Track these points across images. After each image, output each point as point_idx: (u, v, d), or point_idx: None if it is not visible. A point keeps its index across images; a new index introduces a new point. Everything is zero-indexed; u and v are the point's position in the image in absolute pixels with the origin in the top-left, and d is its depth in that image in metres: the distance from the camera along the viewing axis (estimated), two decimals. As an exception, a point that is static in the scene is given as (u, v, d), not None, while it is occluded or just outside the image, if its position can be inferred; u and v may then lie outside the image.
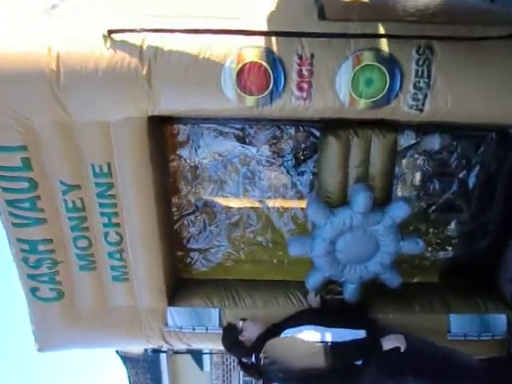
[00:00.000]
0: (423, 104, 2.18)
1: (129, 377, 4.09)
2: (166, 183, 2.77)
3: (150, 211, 2.58)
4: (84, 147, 2.37)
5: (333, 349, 2.15)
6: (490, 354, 2.87)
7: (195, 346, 3.01)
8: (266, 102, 2.20)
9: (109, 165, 2.42)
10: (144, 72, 2.15)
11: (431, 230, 2.98)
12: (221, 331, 2.87)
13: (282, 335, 2.32)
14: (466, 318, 2.85)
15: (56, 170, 2.42)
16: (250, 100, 2.20)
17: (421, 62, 2.09)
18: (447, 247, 3.03)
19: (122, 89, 2.20)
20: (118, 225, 2.61)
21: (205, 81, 2.19)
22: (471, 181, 2.81)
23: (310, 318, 2.41)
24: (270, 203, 2.97)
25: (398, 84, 2.13)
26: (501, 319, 2.84)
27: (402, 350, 2.16)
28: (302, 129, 2.70)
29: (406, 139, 2.63)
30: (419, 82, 2.13)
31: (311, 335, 2.24)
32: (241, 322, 2.48)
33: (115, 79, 2.16)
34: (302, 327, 2.31)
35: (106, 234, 2.63)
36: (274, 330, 2.42)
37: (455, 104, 2.16)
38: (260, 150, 2.76)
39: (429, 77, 2.11)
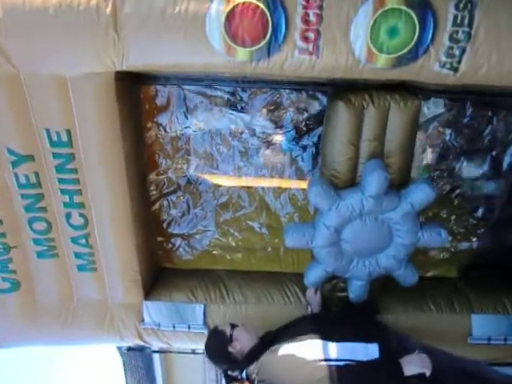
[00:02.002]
0: (459, 61, 1.73)
1: (124, 370, 3.80)
2: (142, 156, 2.34)
3: (120, 189, 2.16)
4: (36, 108, 1.94)
5: (340, 372, 1.73)
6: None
7: (176, 345, 2.62)
8: (262, 55, 1.76)
9: (68, 132, 1.99)
10: (107, 12, 1.70)
11: (453, 217, 2.56)
12: (205, 330, 2.50)
13: (280, 350, 1.90)
14: (490, 319, 2.48)
15: (2, 135, 1.98)
16: (242, 53, 1.76)
17: (461, 6, 1.64)
18: (471, 238, 2.63)
19: (79, 33, 1.76)
20: (82, 205, 2.20)
21: (185, 27, 1.74)
22: (506, 160, 2.38)
23: (311, 327, 1.99)
24: (266, 182, 2.53)
25: (430, 34, 1.69)
26: (530, 321, 2.46)
27: (428, 374, 1.74)
28: (305, 93, 2.24)
29: (432, 108, 2.17)
30: (457, 32, 1.68)
31: (313, 351, 1.83)
32: (231, 329, 2.06)
33: (70, 20, 1.72)
34: (302, 340, 1.89)
35: (68, 216, 2.22)
36: (270, 341, 2.01)
37: (501, 63, 1.71)
38: (254, 118, 2.31)
39: (470, 25, 1.66)
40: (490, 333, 2.45)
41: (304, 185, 2.47)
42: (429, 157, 2.40)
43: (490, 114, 2.22)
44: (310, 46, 1.74)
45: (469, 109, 2.22)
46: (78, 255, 2.33)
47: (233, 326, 2.06)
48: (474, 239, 2.63)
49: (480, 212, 2.53)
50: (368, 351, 1.82)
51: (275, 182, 2.51)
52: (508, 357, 2.51)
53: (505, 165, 2.38)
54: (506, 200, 2.44)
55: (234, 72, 1.88)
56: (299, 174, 2.47)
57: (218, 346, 2.04)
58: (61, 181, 2.11)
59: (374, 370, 1.76)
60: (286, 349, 1.88)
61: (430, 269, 2.71)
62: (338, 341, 1.84)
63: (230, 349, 1.98)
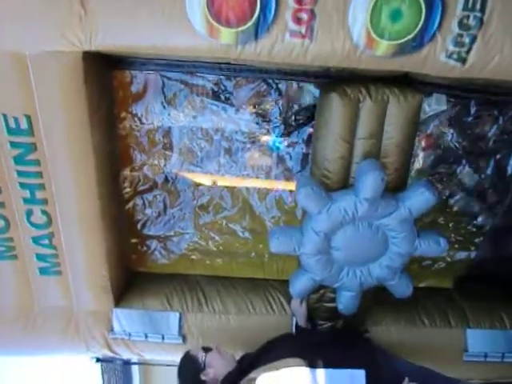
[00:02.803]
0: (468, 51, 1.56)
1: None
2: (114, 149, 2.11)
3: (88, 184, 1.94)
4: (-10, 90, 1.70)
5: None
6: (512, 379, 2.36)
7: (148, 356, 2.40)
8: (248, 37, 1.57)
9: (28, 118, 1.76)
10: (72, -20, 1.48)
11: (452, 224, 2.39)
12: (180, 341, 2.29)
13: (259, 379, 1.69)
14: (487, 334, 2.33)
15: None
16: (226, 34, 1.56)
17: (473, -13, 1.46)
18: (470, 246, 2.46)
19: (39, 5, 1.54)
20: (44, 201, 1.97)
21: (161, 4, 1.54)
22: (511, 165, 2.22)
23: (295, 349, 1.78)
24: (250, 182, 2.33)
25: (438, 19, 1.50)
26: (530, 338, 2.31)
27: None
28: (296, 85, 2.04)
29: (434, 105, 1.99)
30: (468, 17, 1.50)
31: (297, 380, 1.62)
32: (203, 354, 1.84)
33: (29, -11, 1.49)
34: (285, 366, 1.68)
35: (29, 213, 1.99)
36: (248, 365, 1.79)
37: (514, 54, 1.54)
38: (240, 111, 2.11)
39: (482, 10, 1.48)
40: (486, 349, 2.30)
41: (292, 186, 2.28)
42: (421, 159, 2.22)
43: (495, 113, 2.05)
44: (303, 29, 1.55)
45: (473, 107, 2.05)
46: (40, 257, 2.10)
47: (206, 350, 1.85)
48: (473, 248, 2.46)
49: (480, 220, 2.36)
50: (354, 380, 1.63)
51: (260, 183, 2.31)
52: (504, 376, 2.36)
53: (509, 169, 2.22)
54: (508, 207, 2.28)
55: (217, 57, 1.67)
56: (287, 175, 2.27)
57: (189, 374, 1.82)
58: (20, 173, 1.88)
59: None
60: (267, 378, 1.67)
61: (424, 279, 2.55)
62: (324, 366, 1.64)
63: (203, 377, 1.76)
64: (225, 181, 2.34)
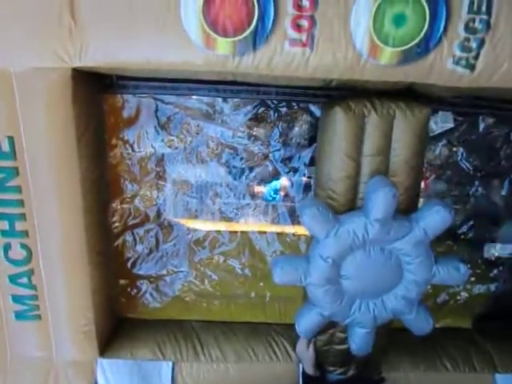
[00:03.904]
0: (476, 57, 1.49)
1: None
2: (104, 179, 1.98)
3: (74, 216, 1.81)
4: (-29, 109, 1.60)
5: None
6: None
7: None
8: (246, 47, 1.50)
9: (11, 139, 1.66)
10: (63, -7, 1.44)
11: (466, 253, 2.22)
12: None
13: None
14: (516, 379, 2.08)
15: None
16: (223, 44, 1.50)
17: (477, -11, 1.43)
18: (487, 280, 2.28)
19: (26, 18, 1.48)
20: (25, 234, 1.82)
21: (157, 12, 1.48)
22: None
23: None
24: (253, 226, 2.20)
25: (443, 23, 1.46)
26: None
27: None
28: (296, 105, 1.97)
29: (440, 123, 1.91)
30: (474, 20, 1.45)
31: None
32: None
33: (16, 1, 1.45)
34: None
35: (7, 247, 1.83)
36: None
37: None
38: (237, 134, 2.01)
39: (489, 13, 1.44)
40: (519, 394, 2.05)
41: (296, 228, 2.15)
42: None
43: (507, 129, 1.97)
44: (304, 36, 1.49)
45: (481, 123, 1.96)
46: (16, 299, 1.90)
47: None
48: (491, 282, 2.27)
49: (498, 247, 2.20)
50: None
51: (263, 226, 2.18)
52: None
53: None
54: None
55: (214, 71, 1.59)
56: (288, 199, 2.13)
57: None
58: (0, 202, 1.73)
59: None
60: None
61: (440, 318, 2.33)
62: None
63: None
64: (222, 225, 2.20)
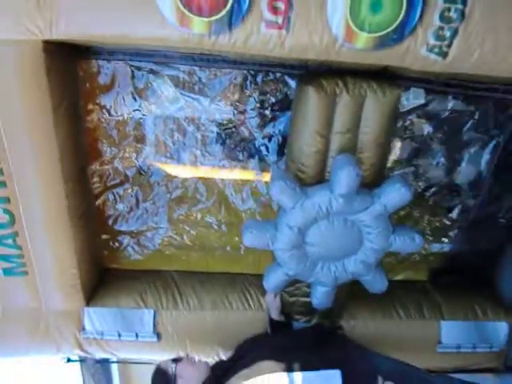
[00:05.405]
0: (449, 45, 1.51)
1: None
2: (81, 144, 1.99)
3: (54, 182, 1.84)
4: None
5: None
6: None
7: (122, 355, 2.34)
8: (222, 27, 1.48)
9: (-15, 111, 1.63)
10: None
11: (427, 217, 2.39)
12: (155, 339, 2.24)
13: None
14: (460, 325, 2.36)
15: None
16: (198, 23, 1.47)
17: (455, -21, 1.41)
18: (444, 239, 2.47)
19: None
20: (6, 200, 1.86)
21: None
22: (484, 159, 2.21)
23: (269, 352, 1.74)
24: (226, 174, 2.25)
25: (419, 12, 1.45)
26: (501, 328, 2.36)
27: None
28: (273, 76, 1.97)
29: (411, 99, 1.96)
30: (449, 9, 1.45)
31: None
32: (173, 366, 1.78)
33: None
34: (261, 372, 1.63)
35: (-10, 212, 1.87)
36: (223, 371, 1.75)
37: (495, 49, 1.50)
38: (214, 102, 2.02)
39: (464, 2, 1.44)
40: (459, 340, 2.33)
41: (268, 177, 2.22)
42: (398, 151, 2.19)
43: (472, 108, 2.03)
44: (280, 19, 1.47)
45: (450, 102, 2.02)
46: (3, 257, 1.99)
47: (176, 361, 1.80)
48: (447, 241, 2.47)
49: (455, 213, 2.36)
50: (330, 381, 1.61)
51: (236, 174, 2.24)
52: (476, 364, 2.40)
53: (483, 163, 2.22)
54: (483, 201, 2.29)
55: (190, 47, 1.58)
56: (263, 166, 2.20)
57: None
58: (-21, 171, 1.77)
59: None
60: None
61: (400, 272, 2.56)
62: (301, 369, 1.61)
63: None
64: (199, 172, 2.25)
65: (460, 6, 1.44)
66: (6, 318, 2.14)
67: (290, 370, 1.60)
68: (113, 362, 2.93)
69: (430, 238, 2.45)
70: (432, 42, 1.51)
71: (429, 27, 1.48)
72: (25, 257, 2.00)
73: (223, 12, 1.45)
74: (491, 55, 1.51)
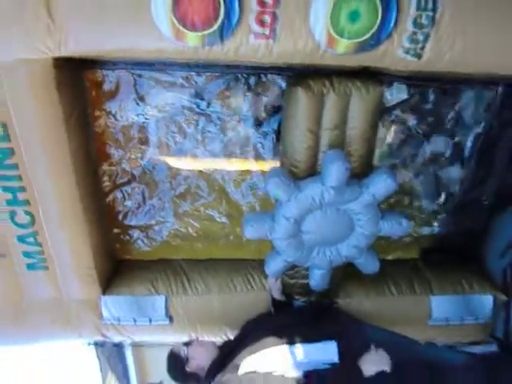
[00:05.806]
0: (423, 48, 1.66)
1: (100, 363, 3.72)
2: (91, 147, 2.16)
3: (68, 185, 2.01)
4: (-35, 100, 1.73)
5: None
6: (471, 339, 2.60)
7: (138, 339, 2.54)
8: (214, 40, 1.63)
9: (4, 125, 1.82)
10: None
11: (416, 203, 2.54)
12: (168, 322, 2.43)
13: (241, 367, 1.82)
14: (449, 299, 2.53)
15: None
16: (192, 37, 1.62)
17: (425, -12, 1.55)
18: (433, 223, 2.63)
19: (7, 15, 1.56)
20: (27, 202, 2.04)
21: (128, 8, 1.58)
22: (468, 146, 2.36)
23: (271, 329, 1.93)
24: (225, 165, 2.41)
25: (393, 19, 1.60)
26: (486, 300, 2.53)
27: (388, 370, 1.74)
28: (264, 78, 2.11)
29: (395, 94, 2.10)
30: (421, 16, 1.59)
31: (280, 359, 1.78)
32: (184, 348, 1.98)
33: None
34: (264, 347, 1.83)
35: (13, 214, 2.06)
36: (230, 349, 1.94)
37: (465, 50, 1.65)
38: (211, 104, 2.17)
39: (434, 10, 1.58)
40: (448, 314, 2.50)
41: (265, 168, 2.37)
42: (388, 142, 2.34)
43: (453, 100, 2.17)
44: (267, 30, 1.61)
45: (431, 95, 2.16)
46: (26, 254, 2.18)
47: (187, 344, 1.99)
48: (436, 224, 2.63)
49: (442, 198, 2.52)
50: (327, 351, 1.80)
51: (235, 170, 2.40)
52: (466, 336, 2.58)
53: (466, 151, 2.36)
54: (467, 186, 2.44)
55: (186, 58, 1.73)
56: (260, 161, 2.36)
57: (176, 370, 1.97)
58: (1, 177, 1.94)
59: (335, 374, 1.75)
60: (249, 363, 1.82)
61: (391, 252, 2.72)
62: (301, 342, 1.81)
63: (188, 369, 1.92)
64: (200, 164, 2.40)
65: (430, 13, 1.58)
66: (30, 308, 2.33)
67: (291, 343, 1.80)
68: (128, 345, 3.13)
69: (420, 222, 2.61)
70: (407, 45, 1.65)
71: (403, 32, 1.62)
72: (45, 253, 2.18)
73: (215, 26, 1.59)
74: (462, 55, 1.66)
